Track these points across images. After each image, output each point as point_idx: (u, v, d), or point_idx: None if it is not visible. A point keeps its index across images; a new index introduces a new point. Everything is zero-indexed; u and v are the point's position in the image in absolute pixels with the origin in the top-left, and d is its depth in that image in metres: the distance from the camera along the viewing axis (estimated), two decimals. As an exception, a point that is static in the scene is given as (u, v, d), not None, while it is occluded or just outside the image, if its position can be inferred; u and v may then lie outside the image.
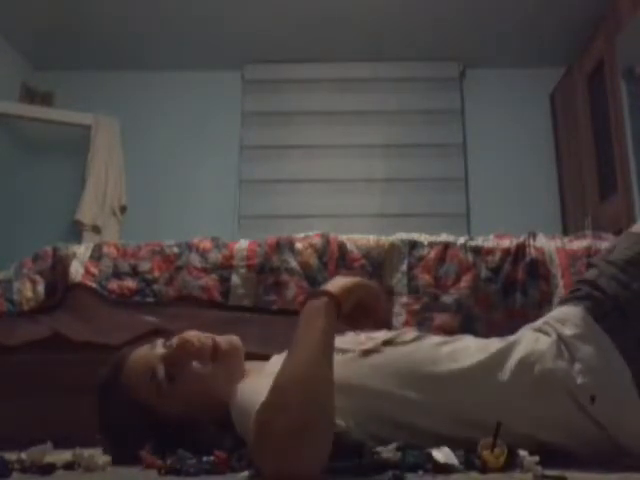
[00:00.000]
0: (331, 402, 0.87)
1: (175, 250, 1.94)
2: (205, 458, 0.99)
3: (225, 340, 1.17)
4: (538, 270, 1.79)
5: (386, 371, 1.08)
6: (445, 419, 1.04)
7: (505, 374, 1.05)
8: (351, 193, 4.14)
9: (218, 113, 4.30)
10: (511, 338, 1.12)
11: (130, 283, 1.88)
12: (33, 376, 1.67)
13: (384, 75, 4.29)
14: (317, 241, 1.92)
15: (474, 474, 0.90)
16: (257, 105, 4.30)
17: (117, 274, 1.89)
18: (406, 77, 4.29)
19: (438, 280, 1.84)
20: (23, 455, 1.03)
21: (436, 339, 1.15)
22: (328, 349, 0.91)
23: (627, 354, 1.02)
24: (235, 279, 1.87)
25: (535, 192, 4.08)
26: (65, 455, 1.06)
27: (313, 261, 1.88)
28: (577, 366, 1.03)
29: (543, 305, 1.73)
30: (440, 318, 1.77)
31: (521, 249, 1.84)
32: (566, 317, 1.10)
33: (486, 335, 1.20)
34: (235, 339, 1.19)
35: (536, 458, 0.90)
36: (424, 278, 1.84)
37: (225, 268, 1.89)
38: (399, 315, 1.79)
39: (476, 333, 1.45)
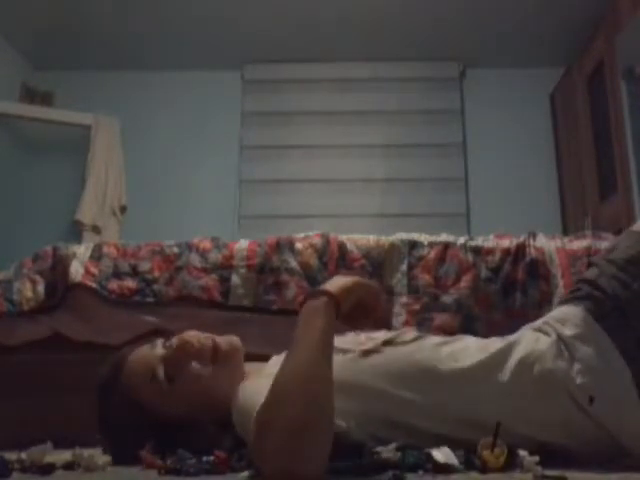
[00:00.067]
0: (331, 402, 0.87)
1: (175, 250, 1.94)
2: (205, 458, 0.99)
3: (225, 341, 1.17)
4: (538, 270, 1.79)
5: (386, 371, 1.08)
6: (445, 420, 1.04)
7: (505, 374, 1.05)
8: (351, 193, 4.14)
9: (218, 113, 4.30)
10: (511, 338, 1.12)
11: (130, 283, 1.88)
12: (33, 376, 1.67)
13: (384, 75, 4.29)
14: (317, 241, 1.92)
15: (474, 474, 0.90)
16: (257, 105, 4.30)
17: (117, 274, 1.90)
18: (406, 77, 4.29)
19: (438, 280, 1.84)
20: (23, 455, 1.03)
21: (436, 339, 1.15)
22: (328, 349, 0.91)
23: (627, 354, 1.02)
24: (235, 279, 1.87)
25: (535, 192, 4.08)
26: (65, 455, 1.06)
27: (313, 261, 1.88)
28: (577, 366, 1.03)
29: (543, 305, 1.73)
30: (440, 318, 1.77)
31: (521, 249, 1.84)
32: (566, 317, 1.10)
33: (486, 335, 1.20)
34: (235, 340, 1.19)
35: (536, 458, 0.90)
36: (424, 278, 1.84)
37: (225, 268, 1.89)
38: (399, 315, 1.79)
39: (476, 333, 1.46)
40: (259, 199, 4.15)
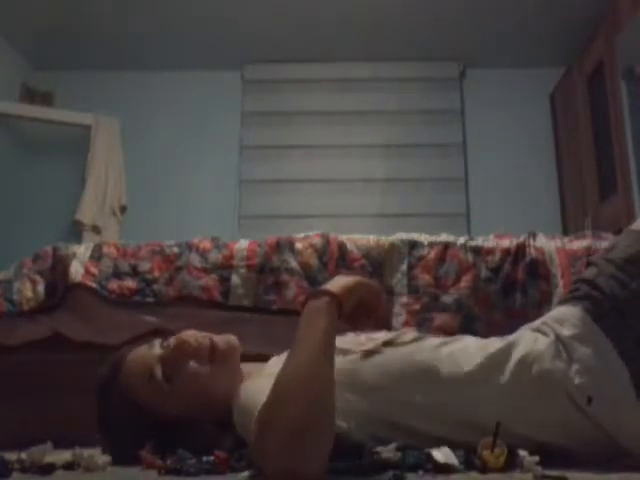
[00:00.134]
0: (332, 402, 0.87)
1: (175, 250, 1.94)
2: (205, 458, 0.99)
3: (222, 340, 1.17)
4: (538, 270, 1.79)
5: (386, 372, 1.08)
6: (445, 421, 1.04)
7: (505, 375, 1.05)
8: (351, 193, 4.14)
9: (218, 113, 4.30)
10: (510, 338, 1.12)
11: (130, 283, 1.88)
12: (33, 376, 1.67)
13: (384, 75, 4.29)
14: (317, 241, 1.92)
15: (474, 474, 0.90)
16: (257, 105, 4.30)
17: (117, 274, 1.90)
18: (406, 77, 4.29)
19: (438, 280, 1.84)
20: (23, 455, 1.03)
21: (436, 340, 1.15)
22: (329, 349, 0.91)
23: (625, 354, 1.02)
24: (235, 279, 1.87)
25: (535, 192, 4.08)
26: (65, 455, 1.06)
27: (313, 261, 1.88)
28: (575, 367, 1.03)
29: (543, 305, 1.73)
30: (440, 318, 1.77)
31: (521, 249, 1.84)
32: (564, 317, 1.10)
33: (486, 335, 1.20)
34: (232, 338, 1.19)
35: (536, 458, 0.90)
36: (424, 278, 1.84)
37: (225, 268, 1.89)
38: (399, 315, 1.79)
39: (476, 333, 1.46)
40: (259, 199, 4.15)
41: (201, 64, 4.30)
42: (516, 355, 1.06)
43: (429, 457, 0.93)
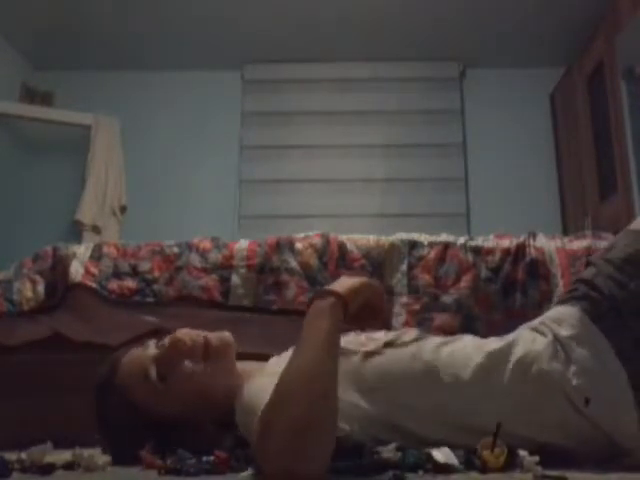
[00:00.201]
0: (335, 402, 0.87)
1: (175, 250, 1.94)
2: (205, 458, 0.99)
3: (216, 337, 1.16)
4: (538, 270, 1.79)
5: (387, 374, 1.08)
6: (445, 423, 1.04)
7: (505, 377, 1.05)
8: (351, 193, 4.14)
9: (218, 113, 4.30)
10: (509, 338, 1.12)
11: (130, 283, 1.88)
12: (33, 376, 1.67)
13: (384, 75, 4.29)
14: (317, 241, 1.92)
15: (474, 474, 0.90)
16: (257, 105, 4.30)
17: (117, 274, 1.90)
18: (406, 77, 4.29)
19: (438, 280, 1.84)
20: (23, 455, 1.03)
21: (436, 340, 1.15)
22: (333, 349, 0.91)
23: (623, 355, 1.02)
24: (235, 279, 1.88)
25: (535, 192, 4.08)
26: (65, 455, 1.06)
27: (313, 261, 1.89)
28: (573, 368, 1.02)
29: (543, 305, 1.73)
30: (440, 318, 1.77)
31: (521, 249, 1.84)
32: (562, 317, 1.10)
33: (486, 335, 1.20)
34: (226, 335, 1.18)
35: (536, 458, 0.90)
36: (424, 278, 1.84)
37: (225, 268, 1.89)
38: (399, 315, 1.79)
39: (476, 333, 1.45)
40: (259, 199, 4.15)
41: (201, 64, 4.30)
42: (515, 355, 1.06)
43: (429, 457, 0.93)
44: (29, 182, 4.07)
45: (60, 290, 1.87)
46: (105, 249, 1.95)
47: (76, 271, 1.88)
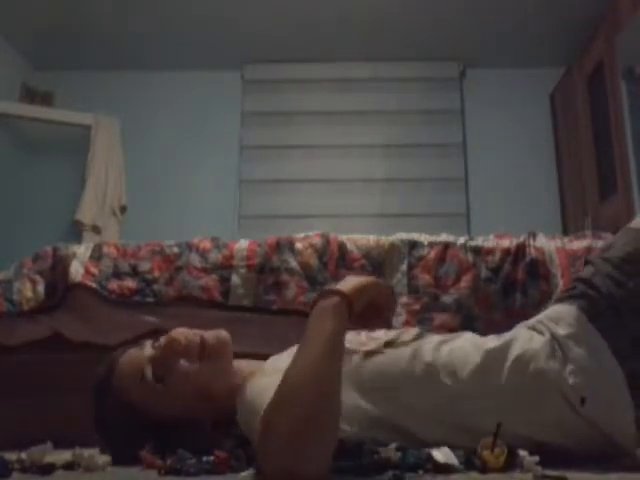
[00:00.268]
0: (338, 403, 0.87)
1: (175, 250, 1.94)
2: (205, 458, 0.99)
3: (212, 335, 1.15)
4: (538, 270, 1.79)
5: (388, 374, 1.08)
6: (443, 423, 1.04)
7: (502, 376, 1.05)
8: (351, 193, 4.14)
9: (218, 113, 4.30)
10: (507, 336, 1.12)
11: (130, 283, 1.88)
12: (33, 376, 1.67)
13: (384, 75, 4.29)
14: (317, 241, 1.92)
15: (474, 474, 0.90)
16: (257, 105, 4.30)
17: (117, 274, 1.90)
18: (406, 77, 4.29)
19: (438, 280, 1.84)
20: (23, 455, 1.03)
21: (436, 338, 1.15)
22: (337, 349, 0.91)
23: (620, 354, 1.02)
24: (235, 279, 1.88)
25: (535, 192, 4.08)
26: (65, 455, 1.06)
27: (313, 261, 1.89)
28: (569, 367, 1.02)
29: (543, 305, 1.73)
30: (440, 318, 1.77)
31: (521, 249, 1.84)
32: (560, 316, 1.10)
33: (486, 335, 1.20)
34: (223, 333, 1.17)
35: (536, 458, 0.90)
36: (424, 278, 1.84)
37: (225, 268, 1.89)
38: (399, 315, 1.79)
39: (476, 333, 1.45)
40: (259, 199, 4.15)
41: (201, 64, 4.30)
42: (512, 354, 1.06)
43: (429, 457, 0.93)
44: (29, 182, 4.07)
45: (60, 290, 1.87)
46: (105, 249, 1.95)
47: (76, 271, 1.88)
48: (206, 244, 1.95)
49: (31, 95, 4.10)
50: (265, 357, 1.24)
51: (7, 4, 3.61)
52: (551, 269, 1.79)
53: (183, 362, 1.11)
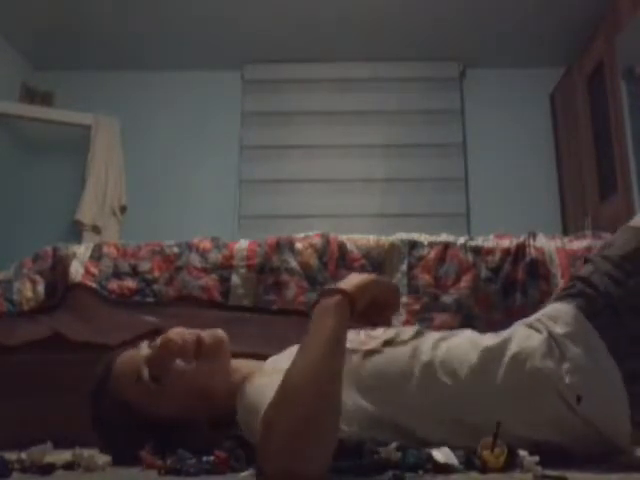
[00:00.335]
0: (338, 403, 0.87)
1: (175, 250, 1.94)
2: (205, 458, 0.99)
3: (208, 334, 1.14)
4: (538, 270, 1.79)
5: (387, 373, 1.08)
6: (442, 421, 1.04)
7: (499, 374, 1.05)
8: (351, 193, 4.14)
9: (218, 113, 4.30)
10: (504, 334, 1.11)
11: (130, 283, 1.88)
12: (33, 376, 1.67)
13: (384, 75, 4.29)
14: (317, 241, 1.92)
15: (474, 474, 0.90)
16: (257, 105, 4.30)
17: (117, 274, 1.90)
18: (406, 77, 4.29)
19: (438, 280, 1.84)
20: (23, 455, 1.03)
21: (434, 336, 1.15)
22: (339, 348, 0.91)
23: (617, 353, 1.01)
24: (235, 279, 1.88)
25: (535, 192, 4.08)
26: (65, 455, 1.06)
27: (313, 261, 1.89)
28: (566, 365, 1.02)
29: (543, 305, 1.73)
30: (440, 318, 1.77)
31: (521, 249, 1.84)
32: (558, 314, 1.09)
33: (485, 335, 1.20)
34: (219, 332, 1.16)
35: (536, 458, 0.90)
36: (424, 278, 1.84)
37: (225, 268, 1.89)
38: (399, 315, 1.79)
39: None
40: (259, 199, 4.15)
41: (201, 64, 4.30)
42: (509, 352, 1.06)
43: (429, 457, 0.93)
44: (29, 182, 4.07)
45: (60, 290, 1.87)
46: (105, 249, 1.95)
47: (76, 271, 1.88)
48: (206, 244, 1.95)
49: (31, 95, 4.10)
50: (265, 357, 1.24)
51: (7, 4, 3.61)
52: (551, 269, 1.79)
53: (179, 362, 1.11)
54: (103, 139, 4.04)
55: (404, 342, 1.13)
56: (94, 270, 1.89)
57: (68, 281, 1.86)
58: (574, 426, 1.01)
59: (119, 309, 1.83)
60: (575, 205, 3.83)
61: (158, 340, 1.14)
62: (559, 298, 1.16)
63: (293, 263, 1.88)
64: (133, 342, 1.28)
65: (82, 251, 1.95)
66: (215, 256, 1.91)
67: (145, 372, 1.11)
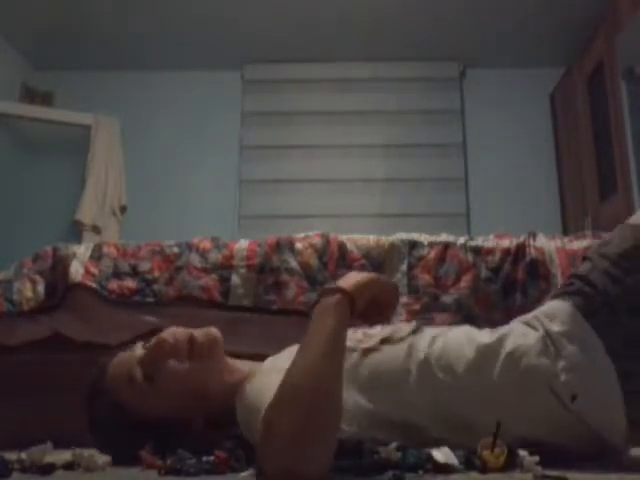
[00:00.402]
0: (339, 402, 0.87)
1: (175, 250, 1.94)
2: (205, 458, 0.99)
3: (202, 333, 1.14)
4: (538, 270, 1.79)
5: (385, 372, 1.08)
6: (441, 420, 1.04)
7: (495, 371, 1.05)
8: (351, 193, 4.14)
9: (218, 113, 4.30)
10: (501, 330, 1.12)
11: (130, 283, 1.88)
12: (33, 376, 1.67)
13: (384, 75, 4.29)
14: (317, 241, 1.92)
15: (474, 474, 0.90)
16: (257, 105, 4.30)
17: (117, 274, 1.90)
18: (406, 77, 4.29)
19: (438, 280, 1.84)
20: (23, 455, 1.03)
21: (431, 332, 1.15)
22: (339, 348, 0.91)
23: (614, 352, 1.01)
24: (235, 279, 1.87)
25: (535, 192, 4.08)
26: (65, 455, 1.06)
27: (313, 261, 1.88)
28: (561, 363, 1.02)
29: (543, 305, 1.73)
30: (440, 318, 1.77)
31: (521, 249, 1.84)
32: (555, 312, 1.09)
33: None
34: (213, 331, 1.15)
35: (536, 458, 0.90)
36: (424, 278, 1.84)
37: (225, 268, 1.89)
38: (399, 315, 1.79)
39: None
40: (259, 199, 4.15)
41: (201, 64, 4.30)
42: (505, 350, 1.06)
43: (429, 457, 0.93)
44: (29, 182, 4.07)
45: (60, 290, 1.87)
46: (105, 249, 1.95)
47: (76, 271, 1.88)
48: (206, 244, 1.95)
49: (31, 95, 4.10)
50: (265, 357, 1.24)
51: (7, 4, 3.61)
52: (551, 269, 1.79)
53: (172, 362, 1.11)
54: (103, 139, 4.04)
55: (402, 339, 1.13)
56: (94, 270, 1.89)
57: (68, 281, 1.86)
58: (568, 424, 1.01)
59: (119, 309, 1.83)
60: (575, 205, 3.83)
61: (152, 341, 1.14)
62: (557, 296, 1.16)
63: (293, 263, 1.88)
64: (133, 342, 1.28)
65: (82, 251, 1.95)
66: (215, 256, 1.91)
67: (138, 372, 1.11)
